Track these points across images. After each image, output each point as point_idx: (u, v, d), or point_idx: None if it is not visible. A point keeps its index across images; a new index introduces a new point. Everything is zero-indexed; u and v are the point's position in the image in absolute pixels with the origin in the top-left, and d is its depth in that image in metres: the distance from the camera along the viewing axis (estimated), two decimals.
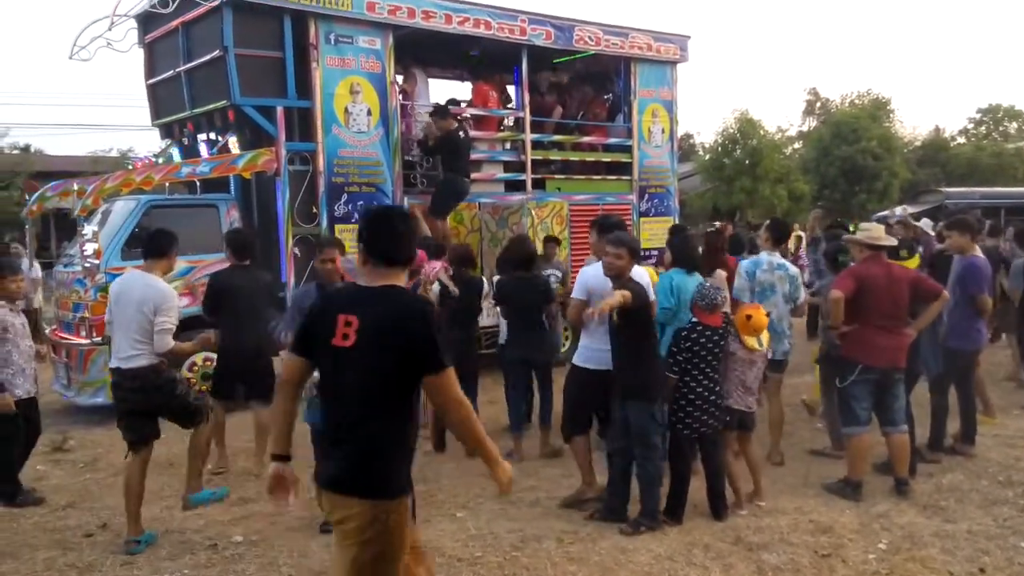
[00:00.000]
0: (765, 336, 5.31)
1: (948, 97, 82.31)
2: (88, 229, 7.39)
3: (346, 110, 8.85)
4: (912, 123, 40.31)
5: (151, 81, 9.75)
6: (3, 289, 5.57)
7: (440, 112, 9.30)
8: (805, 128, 40.10)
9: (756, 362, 5.32)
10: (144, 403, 4.97)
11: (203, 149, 9.13)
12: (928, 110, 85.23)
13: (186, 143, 9.53)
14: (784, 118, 69.30)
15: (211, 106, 8.65)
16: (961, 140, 40.22)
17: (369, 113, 9.01)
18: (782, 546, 4.71)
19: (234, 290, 6.17)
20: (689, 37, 11.70)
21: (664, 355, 5.12)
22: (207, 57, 8.53)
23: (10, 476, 5.72)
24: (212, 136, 9.17)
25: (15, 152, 22.10)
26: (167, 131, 9.82)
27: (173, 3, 8.40)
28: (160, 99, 9.72)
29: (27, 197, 20.30)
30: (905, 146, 33.53)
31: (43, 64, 77.42)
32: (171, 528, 5.17)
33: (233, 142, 8.70)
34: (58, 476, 6.38)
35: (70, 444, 7.12)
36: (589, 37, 10.65)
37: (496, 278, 7.15)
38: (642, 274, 5.24)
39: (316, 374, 3.03)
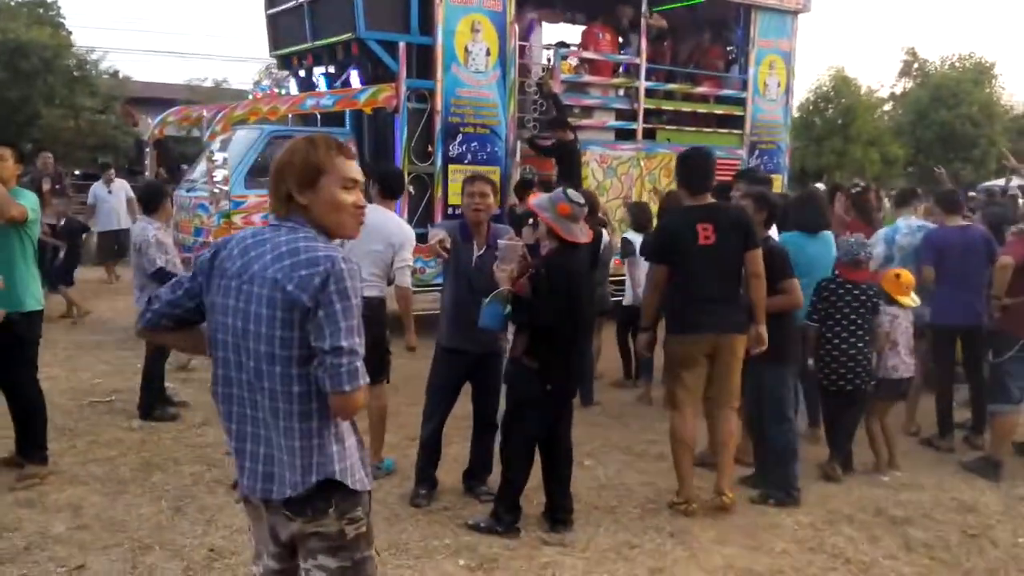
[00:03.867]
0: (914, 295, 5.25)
1: None
2: (219, 155, 7.47)
3: (466, 49, 8.72)
4: (1012, 90, 38.08)
5: (271, 11, 9.74)
6: (165, 212, 5.96)
7: (558, 123, 9.02)
8: (898, 90, 38.45)
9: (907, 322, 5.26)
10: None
11: (321, 82, 9.13)
12: None
13: (302, 75, 9.54)
14: (875, 79, 66.54)
15: (334, 39, 8.62)
16: None
17: (488, 53, 8.87)
18: (927, 522, 4.61)
19: None
20: None
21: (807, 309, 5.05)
22: None
23: (160, 390, 6.06)
24: (331, 69, 9.15)
25: (105, 77, 22.50)
26: (285, 63, 9.83)
27: None
28: (280, 30, 9.72)
29: (134, 121, 20.78)
30: (1006, 114, 31.97)
31: None
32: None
33: (355, 76, 8.67)
34: (188, 394, 6.54)
35: (193, 364, 7.30)
36: None
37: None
38: None
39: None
